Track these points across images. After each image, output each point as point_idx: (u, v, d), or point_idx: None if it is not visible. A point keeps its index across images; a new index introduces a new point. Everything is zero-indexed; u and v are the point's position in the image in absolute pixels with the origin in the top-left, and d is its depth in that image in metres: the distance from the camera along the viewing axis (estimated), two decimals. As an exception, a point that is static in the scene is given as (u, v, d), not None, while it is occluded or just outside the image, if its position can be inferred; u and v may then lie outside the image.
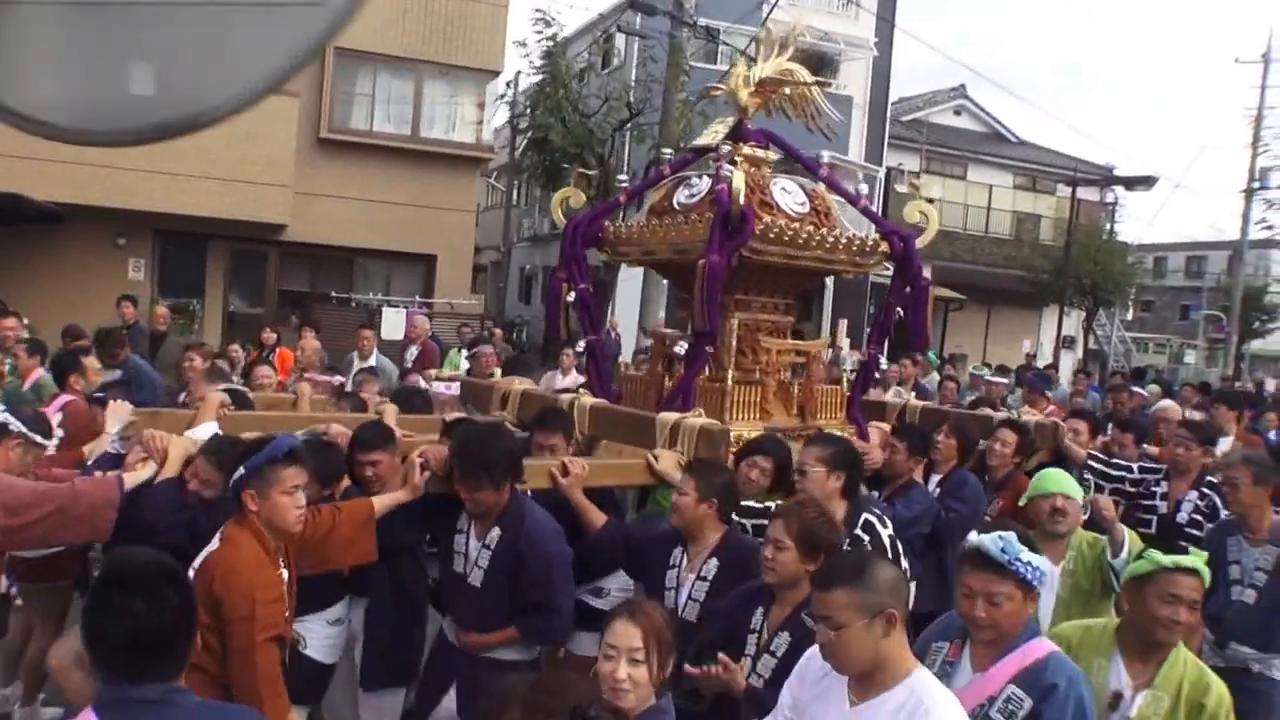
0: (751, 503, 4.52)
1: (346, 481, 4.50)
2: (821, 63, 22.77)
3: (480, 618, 4.26)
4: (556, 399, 5.81)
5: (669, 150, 7.96)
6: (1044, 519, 4.67)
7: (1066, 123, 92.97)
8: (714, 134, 5.98)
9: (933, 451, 5.91)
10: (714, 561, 4.11)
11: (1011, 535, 3.14)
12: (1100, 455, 6.62)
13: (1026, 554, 3.09)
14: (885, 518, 4.47)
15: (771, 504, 4.37)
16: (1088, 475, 6.29)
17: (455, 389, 6.79)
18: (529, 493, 4.50)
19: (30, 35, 0.79)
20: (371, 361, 10.03)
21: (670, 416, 5.06)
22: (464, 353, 11.91)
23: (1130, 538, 4.52)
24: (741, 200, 5.22)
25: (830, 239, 5.61)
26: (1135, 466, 6.53)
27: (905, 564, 4.30)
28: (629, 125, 18.57)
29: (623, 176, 7.91)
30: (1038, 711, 2.99)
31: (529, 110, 20.41)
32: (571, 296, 6.03)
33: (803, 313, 21.86)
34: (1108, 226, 30.90)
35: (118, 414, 4.66)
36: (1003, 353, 26.55)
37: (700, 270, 5.21)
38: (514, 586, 4.17)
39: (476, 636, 4.25)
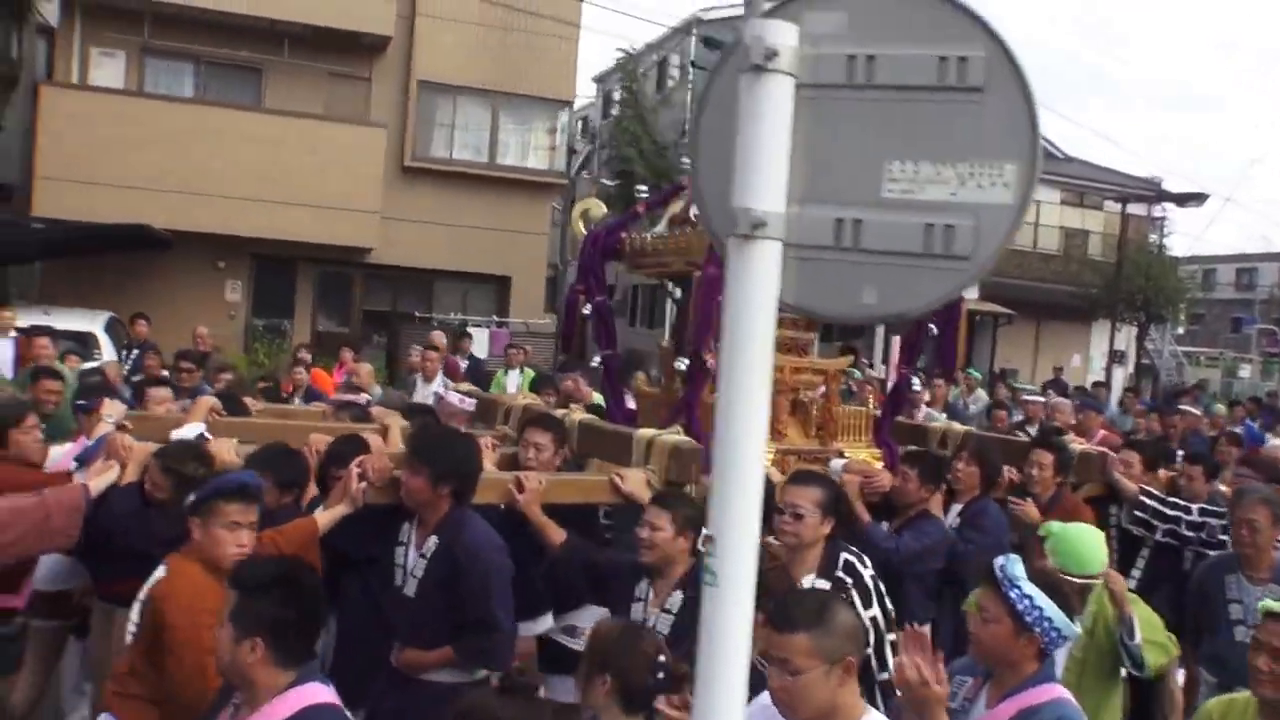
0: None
1: (315, 491, 4.43)
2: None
3: (415, 633, 3.97)
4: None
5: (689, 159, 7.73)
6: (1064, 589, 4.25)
7: (1110, 139, 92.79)
8: None
9: (952, 479, 5.40)
10: (678, 595, 3.80)
11: (1016, 559, 3.08)
12: (1155, 492, 5.98)
13: (1028, 587, 2.98)
14: (865, 557, 4.10)
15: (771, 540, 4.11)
16: (1139, 513, 5.85)
17: (470, 404, 6.49)
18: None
19: (807, 269, 1.58)
20: (436, 384, 9.87)
21: (646, 433, 4.78)
22: (510, 375, 11.69)
23: (1147, 622, 4.09)
24: None
25: None
26: (1195, 508, 5.84)
27: (889, 605, 4.06)
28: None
29: (642, 188, 7.41)
30: None
31: (594, 140, 21.21)
32: (588, 309, 5.77)
33: (854, 330, 22.48)
34: (1157, 240, 31.14)
35: (112, 411, 4.81)
36: (1050, 370, 26.96)
37: (696, 281, 4.94)
38: (450, 600, 3.89)
39: (411, 654, 3.97)
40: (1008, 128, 1.49)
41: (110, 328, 12.39)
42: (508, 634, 3.94)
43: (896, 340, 25.45)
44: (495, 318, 19.48)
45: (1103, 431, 8.88)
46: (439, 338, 12.28)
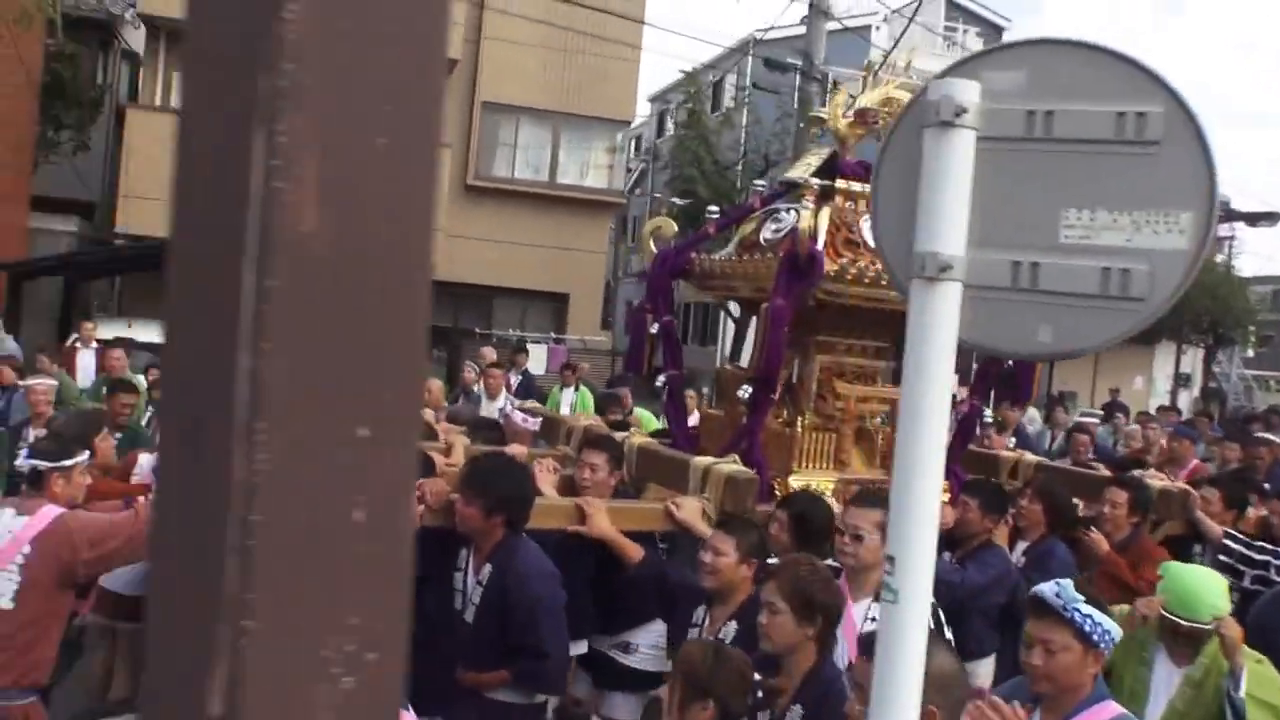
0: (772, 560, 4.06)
1: None
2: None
3: (475, 656, 4.05)
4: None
5: (762, 182, 7.59)
6: (1168, 634, 3.87)
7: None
8: (806, 166, 5.58)
9: (1016, 517, 5.20)
10: (733, 625, 3.72)
11: (1068, 582, 3.00)
12: (1240, 535, 5.61)
13: (1086, 606, 2.92)
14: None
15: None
16: (1223, 557, 5.44)
17: (535, 423, 6.49)
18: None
19: (984, 308, 1.69)
20: (500, 400, 9.97)
21: (703, 461, 4.73)
22: (564, 392, 11.79)
23: (1263, 678, 3.73)
24: (819, 241, 4.90)
25: None
26: None
27: (949, 634, 3.84)
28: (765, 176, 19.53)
29: (713, 208, 7.32)
30: None
31: (649, 159, 21.42)
32: (655, 329, 5.72)
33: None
34: (1226, 260, 30.31)
35: None
36: (1109, 390, 26.55)
37: (763, 313, 4.92)
38: (503, 626, 3.95)
39: (472, 675, 4.04)
40: (1185, 179, 1.58)
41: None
42: (558, 660, 3.98)
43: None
44: (553, 334, 19.68)
45: (1195, 461, 8.42)
46: (490, 354, 12.40)
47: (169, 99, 17.98)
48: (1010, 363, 5.39)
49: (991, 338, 1.73)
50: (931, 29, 25.90)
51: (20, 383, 8.57)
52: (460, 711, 4.04)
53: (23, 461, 4.34)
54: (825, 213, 5.08)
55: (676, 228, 6.27)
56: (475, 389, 11.01)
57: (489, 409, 9.86)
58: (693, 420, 6.59)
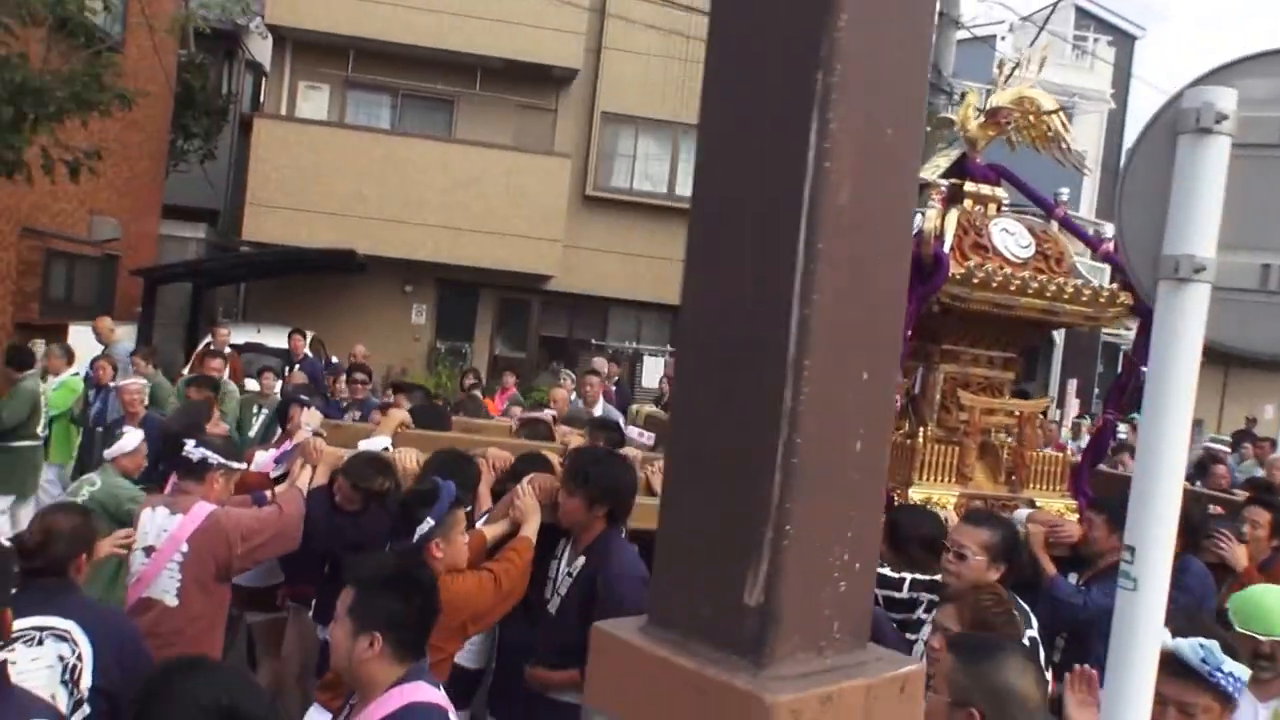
0: (886, 571, 4.01)
1: (489, 504, 4.56)
2: (1056, 116, 23.08)
3: (550, 649, 4.02)
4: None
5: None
6: (1246, 657, 3.84)
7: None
8: (935, 168, 5.53)
9: None
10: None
11: (1214, 644, 2.84)
12: None
13: (1229, 663, 2.79)
14: (1032, 615, 3.71)
15: (908, 575, 4.05)
16: None
17: (649, 438, 6.50)
18: None
19: (1232, 309, 1.78)
20: (598, 409, 10.06)
21: None
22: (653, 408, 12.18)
23: None
24: (946, 243, 4.87)
25: (1055, 287, 5.03)
26: None
27: (1043, 655, 3.68)
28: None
29: None
30: None
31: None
32: None
33: (1027, 371, 22.03)
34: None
35: (312, 419, 5.23)
36: (1241, 419, 25.74)
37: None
38: (584, 623, 3.76)
39: (541, 673, 4.02)
40: None
41: (310, 345, 13.26)
42: None
43: (1073, 384, 24.92)
44: (669, 346, 19.85)
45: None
46: (601, 364, 12.54)
47: (294, 108, 18.69)
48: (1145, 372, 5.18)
49: (1241, 338, 1.81)
50: (1061, 37, 25.48)
51: (112, 383, 8.89)
52: (533, 713, 4.06)
53: (191, 450, 4.47)
54: (953, 215, 5.05)
55: None
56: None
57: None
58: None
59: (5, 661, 2.61)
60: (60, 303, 15.13)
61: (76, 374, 9.48)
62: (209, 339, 12.68)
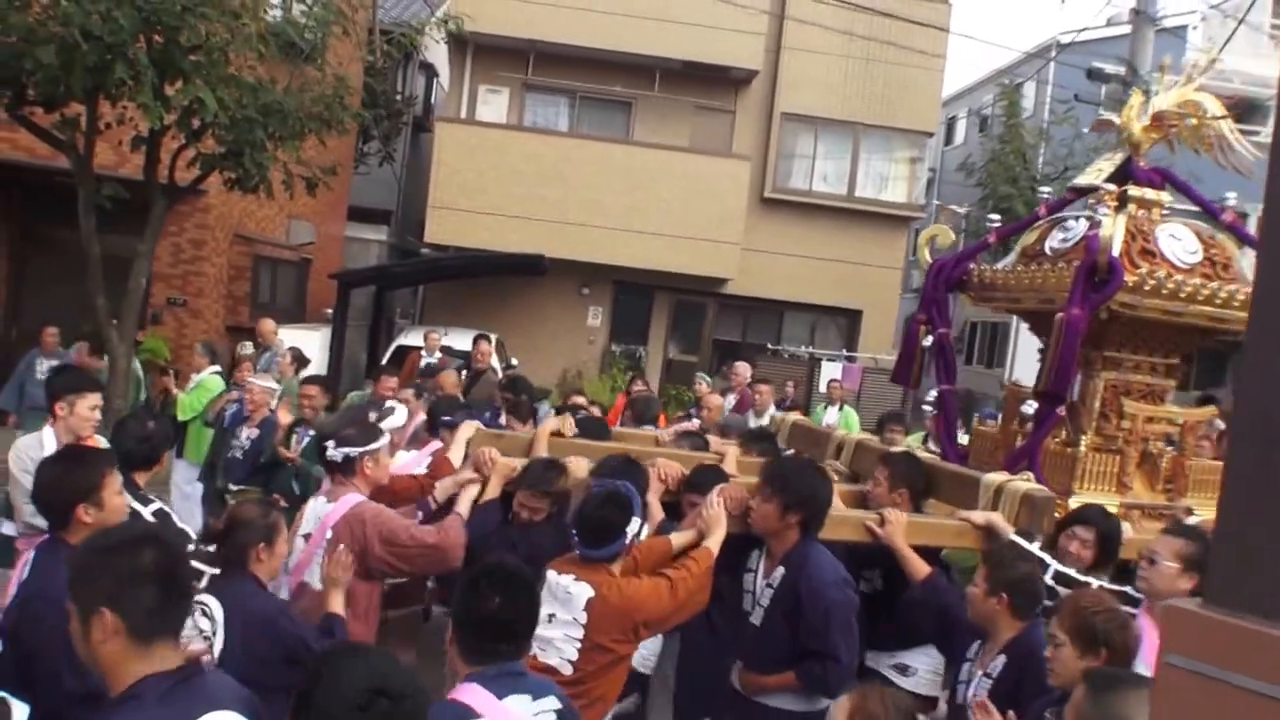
0: (1072, 572, 4.20)
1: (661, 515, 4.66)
2: (1250, 109, 22.14)
3: (760, 658, 4.25)
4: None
5: (1048, 189, 7.43)
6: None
7: None
8: (1098, 172, 5.52)
9: None
10: (1002, 659, 3.74)
11: None
12: None
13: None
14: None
15: (1094, 580, 4.18)
16: None
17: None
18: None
19: None
20: (768, 415, 9.98)
21: (995, 478, 4.78)
22: (828, 410, 12.17)
23: None
24: (1115, 249, 4.87)
25: (1225, 294, 5.02)
26: None
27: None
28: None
29: (994, 216, 7.21)
30: None
31: (939, 169, 21.16)
32: (929, 340, 5.74)
33: (1213, 378, 20.99)
34: None
35: (467, 432, 5.24)
36: None
37: (1057, 324, 4.92)
38: (793, 631, 4.11)
39: (755, 677, 4.25)
40: None
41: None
42: (846, 666, 4.08)
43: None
44: (845, 351, 19.84)
45: None
46: (742, 368, 12.30)
47: (474, 112, 19.43)
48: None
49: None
50: (1256, 27, 24.34)
51: (244, 380, 8.75)
52: (736, 715, 4.31)
53: (334, 452, 4.55)
54: (1120, 221, 5.07)
55: (953, 237, 6.26)
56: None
57: (753, 424, 10.12)
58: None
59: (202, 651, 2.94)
60: (265, 305, 16.26)
61: (217, 372, 9.63)
62: (420, 347, 12.81)
